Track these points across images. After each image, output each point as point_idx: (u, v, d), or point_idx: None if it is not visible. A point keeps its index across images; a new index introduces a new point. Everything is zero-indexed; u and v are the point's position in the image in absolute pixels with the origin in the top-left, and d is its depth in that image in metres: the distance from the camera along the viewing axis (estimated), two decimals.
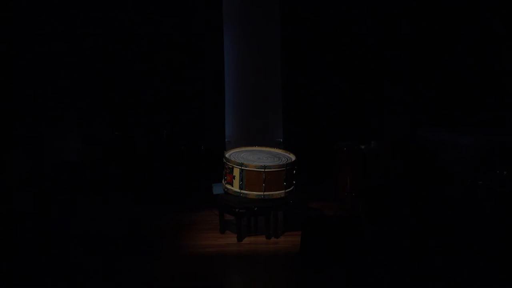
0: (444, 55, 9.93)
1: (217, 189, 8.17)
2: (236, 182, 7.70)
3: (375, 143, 7.23)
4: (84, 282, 3.72)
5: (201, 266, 6.88)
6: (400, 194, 3.22)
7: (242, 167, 7.66)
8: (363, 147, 8.68)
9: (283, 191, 7.77)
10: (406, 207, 3.06)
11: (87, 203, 3.81)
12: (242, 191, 7.69)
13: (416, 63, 9.97)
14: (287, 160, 7.92)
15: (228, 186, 7.82)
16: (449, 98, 9.96)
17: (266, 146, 8.63)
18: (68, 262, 3.51)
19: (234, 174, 7.71)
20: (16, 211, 3.74)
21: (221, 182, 8.02)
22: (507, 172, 6.99)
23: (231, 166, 7.76)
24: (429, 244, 2.34)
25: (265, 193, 7.67)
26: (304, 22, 9.94)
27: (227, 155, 7.93)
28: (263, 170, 7.62)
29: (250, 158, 7.93)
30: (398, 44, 9.94)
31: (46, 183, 6.82)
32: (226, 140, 10.03)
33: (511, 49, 9.60)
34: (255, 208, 7.76)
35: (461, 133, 8.51)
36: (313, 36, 9.94)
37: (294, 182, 7.95)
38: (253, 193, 7.68)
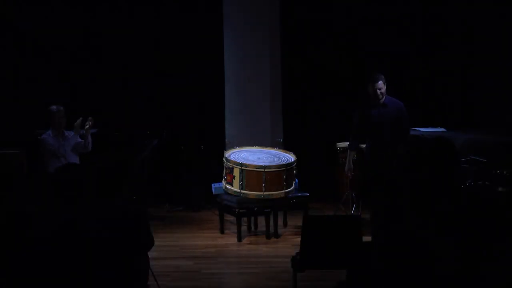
0: (443, 56, 9.94)
1: (217, 189, 8.16)
2: (236, 182, 7.69)
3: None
4: (84, 281, 3.73)
5: (201, 266, 6.88)
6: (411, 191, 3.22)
7: (242, 167, 7.65)
8: (363, 146, 8.67)
9: (283, 191, 7.76)
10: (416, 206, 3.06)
11: (86, 202, 3.82)
12: (242, 191, 7.68)
13: (416, 63, 9.97)
14: (287, 160, 7.91)
15: (228, 186, 7.81)
16: (448, 97, 9.96)
17: (266, 146, 8.63)
18: (67, 260, 3.53)
19: (234, 174, 7.71)
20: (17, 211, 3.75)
21: (221, 182, 8.01)
22: (507, 172, 6.98)
23: (231, 166, 7.75)
24: (432, 245, 2.34)
25: (265, 193, 7.66)
26: (305, 22, 9.93)
27: (227, 155, 7.92)
28: (263, 170, 7.61)
29: (250, 158, 7.92)
30: (397, 44, 9.94)
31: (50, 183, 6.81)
32: (226, 140, 10.02)
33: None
34: (255, 208, 7.76)
35: (460, 132, 8.50)
36: (314, 35, 9.93)
37: (294, 182, 7.95)
38: (253, 193, 7.66)
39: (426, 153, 3.91)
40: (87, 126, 7.60)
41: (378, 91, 7.22)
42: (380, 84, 7.23)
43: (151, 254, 4.53)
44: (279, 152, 8.26)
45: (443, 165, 3.73)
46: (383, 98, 7.30)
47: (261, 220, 7.97)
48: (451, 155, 3.79)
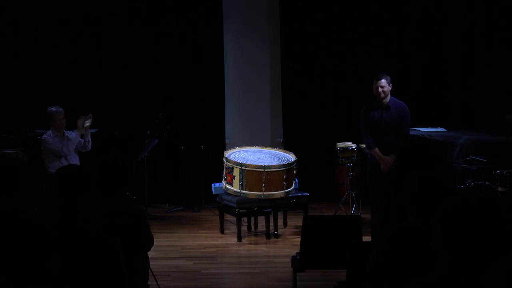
0: (443, 55, 9.94)
1: (217, 189, 8.17)
2: (236, 182, 7.69)
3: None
4: (84, 281, 3.73)
5: (201, 266, 6.88)
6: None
7: (242, 167, 7.65)
8: (363, 146, 8.67)
9: (283, 191, 7.76)
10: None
11: (86, 202, 3.81)
12: (242, 191, 7.68)
13: (416, 62, 9.97)
14: (287, 160, 7.91)
15: (228, 186, 7.81)
16: (448, 97, 9.96)
17: (266, 146, 8.63)
18: (67, 260, 3.53)
19: (234, 174, 7.70)
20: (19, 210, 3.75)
21: (221, 182, 8.01)
22: (507, 172, 6.99)
23: (231, 166, 7.75)
24: (435, 244, 2.34)
25: (265, 193, 7.66)
26: (305, 22, 9.92)
27: (227, 155, 7.92)
28: (263, 170, 7.61)
29: (250, 158, 7.92)
30: (397, 44, 9.94)
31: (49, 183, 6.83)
32: (226, 140, 10.03)
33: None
34: (255, 208, 7.76)
35: (460, 132, 8.51)
36: (314, 35, 9.93)
37: (294, 182, 7.95)
38: (253, 193, 7.66)
39: (402, 153, 4.08)
40: (87, 124, 7.60)
41: (380, 89, 7.11)
42: (383, 82, 7.11)
43: (151, 254, 4.53)
44: (279, 152, 8.26)
45: (415, 165, 3.89)
46: (387, 99, 7.18)
47: (261, 220, 7.97)
48: (421, 157, 3.94)
